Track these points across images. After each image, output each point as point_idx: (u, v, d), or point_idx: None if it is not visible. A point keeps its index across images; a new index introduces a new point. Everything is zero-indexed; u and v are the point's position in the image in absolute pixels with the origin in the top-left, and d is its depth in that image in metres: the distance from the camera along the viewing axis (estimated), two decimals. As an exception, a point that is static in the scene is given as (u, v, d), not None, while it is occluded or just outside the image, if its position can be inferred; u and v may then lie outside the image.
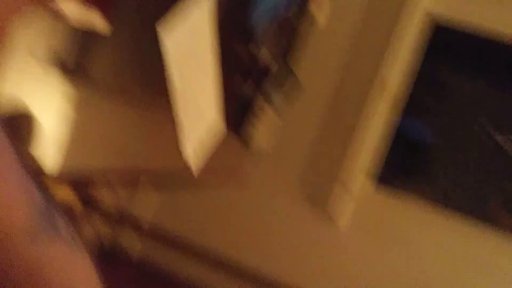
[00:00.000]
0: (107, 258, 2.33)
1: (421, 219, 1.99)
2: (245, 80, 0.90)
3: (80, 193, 0.48)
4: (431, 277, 1.99)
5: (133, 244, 2.31)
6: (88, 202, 0.48)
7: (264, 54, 0.90)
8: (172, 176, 0.74)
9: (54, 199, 0.32)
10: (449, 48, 2.23)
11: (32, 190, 0.28)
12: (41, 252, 0.28)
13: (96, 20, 0.41)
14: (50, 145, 0.44)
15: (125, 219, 0.52)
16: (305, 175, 2.06)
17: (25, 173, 0.28)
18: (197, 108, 0.74)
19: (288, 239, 2.09)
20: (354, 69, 1.98)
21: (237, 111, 0.94)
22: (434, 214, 2.02)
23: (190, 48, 0.65)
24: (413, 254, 1.99)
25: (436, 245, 2.00)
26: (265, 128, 1.02)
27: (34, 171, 0.30)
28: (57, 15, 0.27)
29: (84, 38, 0.45)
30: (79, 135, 0.45)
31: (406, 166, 2.35)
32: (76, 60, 0.47)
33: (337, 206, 2.01)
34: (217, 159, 0.87)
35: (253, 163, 1.18)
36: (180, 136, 0.71)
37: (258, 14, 0.84)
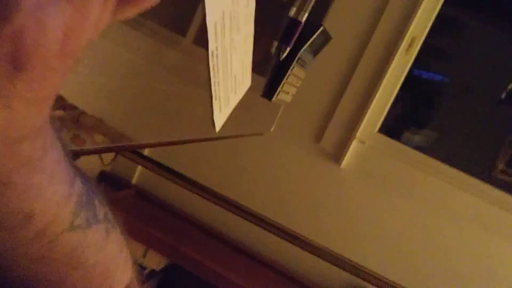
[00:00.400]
0: (107, 179, 2.39)
1: (418, 168, 2.02)
2: (281, 45, 0.87)
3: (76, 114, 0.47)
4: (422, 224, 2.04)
5: (133, 169, 2.36)
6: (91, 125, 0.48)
7: (303, 17, 0.86)
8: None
9: (93, 185, 0.34)
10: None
11: (77, 183, 0.30)
12: (80, 237, 0.31)
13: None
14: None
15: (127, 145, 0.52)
16: (320, 125, 2.07)
17: (71, 167, 0.29)
18: (229, 66, 0.71)
19: (297, 184, 2.14)
20: (381, 24, 1.94)
21: (268, 73, 0.92)
22: (434, 165, 2.04)
23: (229, 11, 0.62)
24: (405, 200, 2.03)
25: (432, 194, 2.03)
26: (289, 83, 1.00)
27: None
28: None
29: None
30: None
31: (414, 118, 2.34)
32: None
33: (343, 149, 2.04)
34: (240, 114, 0.85)
35: (273, 114, 1.17)
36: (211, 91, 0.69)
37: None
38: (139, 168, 2.31)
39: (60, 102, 0.42)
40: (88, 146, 0.49)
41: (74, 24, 0.21)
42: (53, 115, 0.43)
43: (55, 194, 0.27)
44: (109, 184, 2.34)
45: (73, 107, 0.44)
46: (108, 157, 2.35)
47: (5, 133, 0.22)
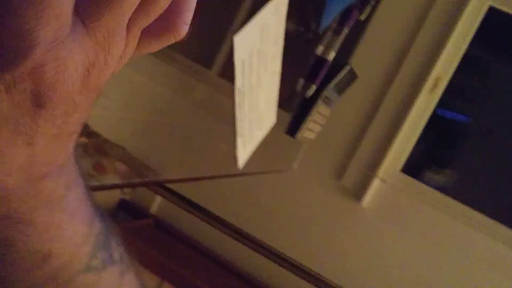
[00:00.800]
0: (126, 207, 2.38)
1: (440, 209, 1.98)
2: (308, 82, 0.86)
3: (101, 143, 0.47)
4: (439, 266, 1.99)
5: (152, 198, 2.36)
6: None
7: (330, 56, 0.86)
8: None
9: (110, 224, 0.33)
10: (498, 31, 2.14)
11: (95, 223, 0.29)
12: (94, 279, 0.30)
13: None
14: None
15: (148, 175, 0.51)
16: (342, 162, 2.06)
17: (91, 205, 0.28)
18: (254, 103, 0.70)
19: (317, 222, 2.11)
20: (407, 64, 1.94)
21: (293, 110, 0.91)
22: (456, 209, 2.00)
23: (257, 49, 0.62)
24: (427, 242, 1.99)
25: (452, 238, 1.98)
26: (314, 120, 0.99)
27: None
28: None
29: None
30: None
31: (436, 157, 2.31)
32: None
33: (365, 187, 2.02)
34: (263, 151, 0.84)
35: (296, 151, 1.15)
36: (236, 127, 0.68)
37: (329, 17, 0.80)
38: (159, 198, 2.30)
39: (84, 129, 0.41)
40: (110, 174, 0.48)
41: (96, 59, 0.20)
42: (76, 142, 0.42)
43: (74, 234, 0.26)
44: (128, 213, 2.33)
45: (96, 135, 0.44)
46: (128, 186, 2.34)
47: (27, 170, 0.21)
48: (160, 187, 1.98)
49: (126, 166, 0.51)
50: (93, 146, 0.44)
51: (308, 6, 0.74)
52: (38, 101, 0.19)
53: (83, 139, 0.42)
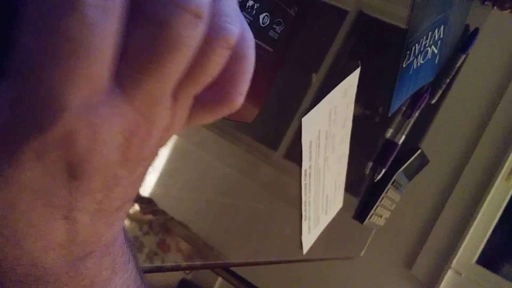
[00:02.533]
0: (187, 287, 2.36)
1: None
2: (376, 166, 0.84)
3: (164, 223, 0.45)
4: None
5: (214, 280, 2.32)
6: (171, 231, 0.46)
7: (400, 139, 0.84)
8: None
9: None
10: None
11: None
12: None
13: (245, 112, 0.37)
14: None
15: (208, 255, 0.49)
16: (412, 251, 1.97)
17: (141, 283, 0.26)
18: (321, 186, 0.68)
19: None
20: (480, 148, 1.88)
21: (361, 194, 0.88)
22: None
23: (325, 131, 0.61)
24: None
25: None
26: (383, 206, 0.95)
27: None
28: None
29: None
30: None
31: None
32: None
33: (437, 279, 1.90)
34: (329, 236, 0.81)
35: (364, 237, 1.11)
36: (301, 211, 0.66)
37: (398, 100, 0.78)
38: (220, 279, 2.26)
39: (151, 207, 0.41)
40: (173, 252, 0.47)
41: (137, 129, 0.18)
42: (143, 219, 0.42)
43: None
44: (189, 294, 2.30)
45: (162, 212, 0.43)
46: (190, 265, 2.33)
47: (67, 249, 0.19)
48: (222, 269, 1.95)
49: (189, 245, 0.50)
50: (158, 223, 0.43)
51: (377, 89, 0.73)
52: (73, 172, 0.17)
53: (149, 216, 0.42)
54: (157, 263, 0.46)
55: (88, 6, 0.15)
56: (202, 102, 0.22)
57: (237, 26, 0.20)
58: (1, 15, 0.17)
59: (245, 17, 0.30)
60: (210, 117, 0.23)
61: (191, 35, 0.17)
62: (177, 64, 0.18)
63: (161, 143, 0.21)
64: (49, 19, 0.15)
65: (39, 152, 0.16)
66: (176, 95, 0.20)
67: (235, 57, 0.21)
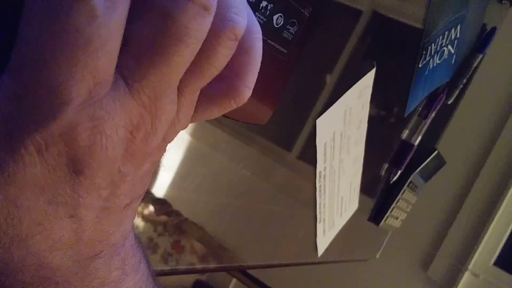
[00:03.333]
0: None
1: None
2: (392, 167, 0.83)
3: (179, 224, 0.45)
4: None
5: (228, 281, 2.32)
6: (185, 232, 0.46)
7: (416, 141, 0.83)
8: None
9: None
10: None
11: None
12: None
13: (259, 113, 0.37)
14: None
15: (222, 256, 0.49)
16: (428, 252, 1.96)
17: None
18: (336, 188, 0.68)
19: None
20: (497, 149, 1.86)
21: (377, 196, 0.87)
22: None
23: (340, 132, 0.60)
24: None
25: None
26: (399, 207, 0.94)
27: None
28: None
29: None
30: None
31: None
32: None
33: (454, 281, 1.89)
34: (345, 238, 0.80)
35: (379, 239, 1.10)
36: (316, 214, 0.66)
37: (414, 101, 0.78)
38: (234, 281, 2.26)
39: (166, 208, 0.41)
40: (187, 253, 0.47)
41: (141, 122, 0.18)
42: (158, 220, 0.42)
43: None
44: (203, 294, 2.30)
45: (177, 214, 0.43)
46: (205, 266, 2.33)
47: (74, 248, 0.19)
48: (237, 271, 1.95)
49: (204, 246, 0.50)
50: (172, 225, 0.43)
51: (392, 90, 0.72)
52: (75, 167, 0.17)
53: (164, 218, 0.42)
54: (172, 264, 0.46)
55: None
56: (208, 95, 0.21)
57: (244, 17, 0.19)
58: (6, 5, 0.17)
59: (259, 18, 0.30)
60: (217, 111, 0.22)
61: (198, 28, 0.17)
62: (183, 57, 0.17)
63: (168, 138, 0.21)
64: (55, 11, 0.15)
65: (41, 146, 0.16)
66: (181, 88, 0.19)
67: (242, 49, 0.20)
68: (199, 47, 0.18)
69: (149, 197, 0.39)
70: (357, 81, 0.58)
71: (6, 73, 0.16)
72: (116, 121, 0.17)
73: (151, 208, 0.40)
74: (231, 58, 0.20)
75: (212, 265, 0.52)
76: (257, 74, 0.21)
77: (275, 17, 0.32)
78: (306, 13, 0.34)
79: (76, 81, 0.15)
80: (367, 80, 0.60)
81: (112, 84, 0.17)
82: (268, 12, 0.31)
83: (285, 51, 0.34)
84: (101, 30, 0.15)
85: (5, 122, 0.16)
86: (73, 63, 0.15)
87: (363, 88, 0.60)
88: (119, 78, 0.17)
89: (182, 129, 0.21)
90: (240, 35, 0.19)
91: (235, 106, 0.21)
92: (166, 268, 0.45)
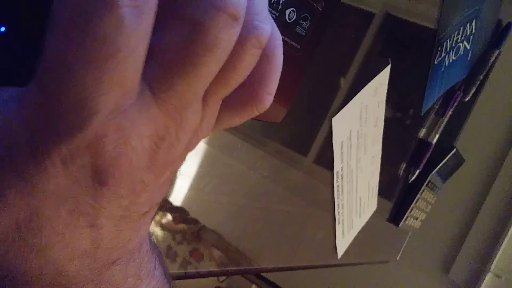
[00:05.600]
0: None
1: None
2: (410, 167, 0.82)
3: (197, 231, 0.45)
4: None
5: (247, 287, 2.32)
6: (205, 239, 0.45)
7: (434, 139, 0.82)
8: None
9: None
10: None
11: None
12: None
13: (273, 111, 0.37)
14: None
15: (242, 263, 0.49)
16: (449, 254, 1.93)
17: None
18: (354, 188, 0.67)
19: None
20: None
21: (395, 196, 0.86)
22: None
23: (357, 131, 0.60)
24: None
25: None
26: (418, 207, 0.93)
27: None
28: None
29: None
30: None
31: None
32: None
33: (476, 282, 1.86)
34: (364, 240, 0.79)
35: (399, 240, 1.08)
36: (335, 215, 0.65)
37: (431, 99, 0.76)
38: (254, 286, 2.25)
39: (183, 216, 0.41)
40: (206, 260, 0.47)
41: (166, 133, 0.18)
42: (176, 229, 0.42)
43: None
44: (223, 302, 2.30)
45: (194, 221, 0.43)
46: (223, 273, 2.33)
47: (92, 256, 0.19)
48: (255, 276, 1.94)
49: (222, 253, 0.49)
50: (191, 232, 0.43)
51: (408, 88, 0.71)
52: (99, 178, 0.17)
53: (182, 226, 0.42)
54: (191, 273, 0.46)
55: (123, 6, 0.14)
56: (230, 104, 0.21)
57: (268, 24, 0.19)
58: (34, 13, 0.17)
59: (271, 12, 0.30)
60: (239, 119, 0.22)
61: (227, 38, 0.17)
62: (211, 67, 0.17)
63: (189, 148, 0.20)
64: (83, 20, 0.14)
65: (66, 158, 0.16)
66: (206, 98, 0.19)
67: (264, 56, 0.20)
68: (226, 57, 0.17)
69: (166, 205, 0.39)
70: (373, 78, 0.57)
71: (33, 83, 0.16)
72: (142, 131, 0.17)
73: (169, 216, 0.40)
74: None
75: (230, 268, 0.52)
76: (278, 81, 0.21)
77: (287, 12, 0.31)
78: (319, 8, 0.34)
79: (103, 92, 0.15)
80: (383, 77, 0.59)
81: (138, 94, 0.17)
82: (280, 7, 0.30)
83: (298, 46, 0.33)
84: (128, 40, 0.15)
85: (31, 133, 0.16)
86: (101, 74, 0.15)
87: (378, 86, 0.59)
88: (145, 88, 0.17)
89: (204, 138, 0.21)
90: (265, 42, 0.19)
91: (257, 114, 0.21)
92: (184, 271, 0.45)
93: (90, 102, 0.15)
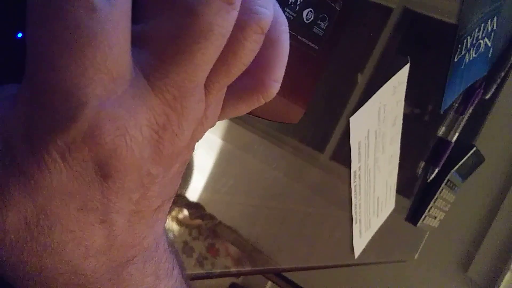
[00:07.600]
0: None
1: None
2: (429, 166, 0.81)
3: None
4: None
5: (263, 284, 2.32)
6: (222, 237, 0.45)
7: (454, 137, 0.81)
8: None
9: None
10: None
11: None
12: None
13: (290, 112, 0.36)
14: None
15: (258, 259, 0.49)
16: (467, 252, 1.92)
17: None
18: (371, 187, 0.66)
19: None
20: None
21: (414, 195, 0.85)
22: None
23: (374, 130, 0.59)
24: None
25: None
26: (437, 207, 0.92)
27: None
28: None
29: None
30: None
31: None
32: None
33: (495, 281, 1.84)
34: (382, 239, 0.79)
35: (417, 240, 1.07)
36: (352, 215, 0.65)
37: (451, 97, 0.75)
38: (269, 283, 2.26)
39: (200, 211, 0.41)
40: (222, 256, 0.47)
41: (167, 122, 0.17)
42: (192, 224, 0.42)
43: None
44: (239, 298, 2.30)
45: (211, 217, 0.43)
46: (240, 269, 2.33)
47: (107, 254, 0.18)
48: (273, 274, 1.94)
49: (238, 249, 0.49)
50: (207, 228, 0.43)
51: (427, 86, 0.70)
52: (102, 172, 0.16)
53: (198, 221, 0.42)
54: (207, 268, 0.46)
55: None
56: (235, 92, 0.20)
57: (270, 9, 0.18)
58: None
59: (288, 13, 0.29)
60: (245, 108, 0.21)
61: (223, 23, 0.16)
62: (207, 54, 0.16)
63: (196, 137, 0.20)
64: (53, 9, 0.14)
65: (64, 152, 0.15)
66: (208, 85, 0.18)
67: (269, 42, 0.19)
68: (224, 43, 0.17)
69: (182, 201, 0.39)
70: (391, 77, 0.56)
71: (23, 80, 0.16)
72: (139, 119, 0.16)
73: (185, 212, 0.40)
74: (258, 52, 0.19)
75: (247, 268, 0.52)
76: (284, 68, 0.20)
77: (305, 12, 0.31)
78: (337, 8, 0.33)
79: (88, 80, 0.15)
80: (401, 76, 0.59)
81: (131, 81, 0.16)
82: (297, 7, 0.30)
83: (316, 48, 0.33)
84: (104, 24, 0.14)
85: (27, 129, 0.15)
86: (82, 61, 0.14)
87: (397, 84, 0.59)
88: (139, 75, 0.16)
89: (210, 127, 0.20)
90: (267, 28, 0.18)
91: (263, 102, 0.21)
92: (201, 271, 0.45)
93: (77, 92, 0.15)
